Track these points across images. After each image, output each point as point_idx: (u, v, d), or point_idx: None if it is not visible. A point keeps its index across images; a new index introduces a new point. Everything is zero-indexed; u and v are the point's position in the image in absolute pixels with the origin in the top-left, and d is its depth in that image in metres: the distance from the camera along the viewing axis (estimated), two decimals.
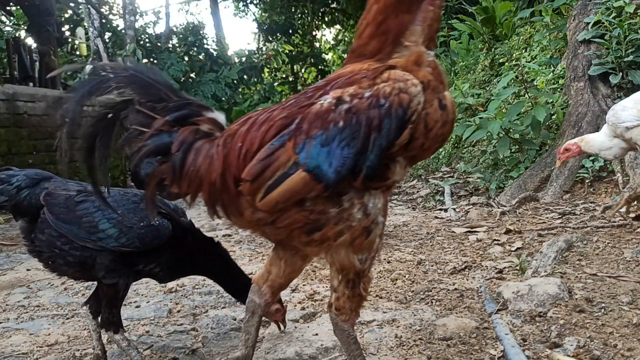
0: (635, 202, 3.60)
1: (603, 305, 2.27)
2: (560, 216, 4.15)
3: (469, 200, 5.26)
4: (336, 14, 19.96)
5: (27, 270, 3.58)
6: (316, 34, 22.93)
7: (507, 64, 6.87)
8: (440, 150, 7.31)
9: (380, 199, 1.42)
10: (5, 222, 5.92)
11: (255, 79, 15.86)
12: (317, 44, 23.14)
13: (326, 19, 20.75)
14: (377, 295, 2.65)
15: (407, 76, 1.34)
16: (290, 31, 21.30)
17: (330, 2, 19.50)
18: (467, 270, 3.03)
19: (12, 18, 14.96)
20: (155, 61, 14.25)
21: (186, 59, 15.09)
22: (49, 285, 3.19)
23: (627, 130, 3.20)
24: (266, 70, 18.07)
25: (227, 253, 2.12)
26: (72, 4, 13.95)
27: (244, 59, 16.05)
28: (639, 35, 4.98)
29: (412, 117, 1.32)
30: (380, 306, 2.50)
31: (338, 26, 21.58)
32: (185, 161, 1.46)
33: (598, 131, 3.63)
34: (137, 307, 2.67)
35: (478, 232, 3.93)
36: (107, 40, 14.45)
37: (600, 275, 2.67)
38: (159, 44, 15.31)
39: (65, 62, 14.75)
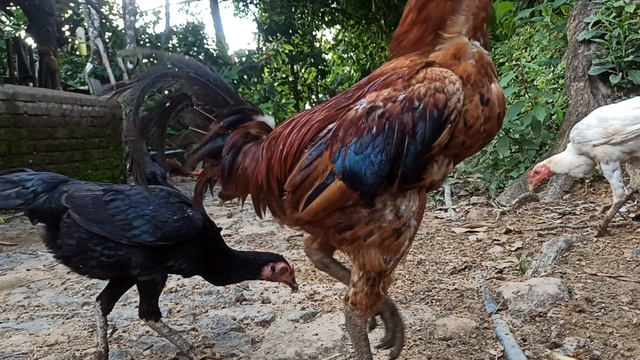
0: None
1: (603, 305, 2.27)
2: (560, 216, 4.15)
3: (469, 200, 5.26)
4: (336, 14, 19.96)
5: (27, 270, 3.58)
6: (316, 34, 22.94)
7: (507, 63, 6.87)
8: None
9: (414, 201, 1.39)
10: (5, 222, 5.92)
11: (255, 79, 15.85)
12: (317, 44, 23.15)
13: (326, 19, 20.76)
14: None
15: (445, 73, 1.29)
16: (290, 31, 21.31)
17: (330, 2, 19.50)
18: (467, 270, 3.03)
19: (12, 18, 14.97)
20: (155, 61, 14.24)
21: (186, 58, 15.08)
22: (49, 285, 3.19)
23: (593, 148, 3.29)
24: (266, 70, 18.06)
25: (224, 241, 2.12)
26: (72, 4, 13.95)
27: (244, 59, 16.04)
28: (639, 35, 4.98)
29: (451, 117, 1.28)
30: None
31: (338, 26, 21.59)
32: (234, 164, 1.53)
33: None
34: (137, 307, 2.66)
35: (478, 232, 3.93)
36: (107, 40, 14.47)
37: (600, 275, 2.67)
38: (159, 44, 15.31)
39: (65, 62, 14.77)
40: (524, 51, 7.38)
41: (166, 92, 1.67)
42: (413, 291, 2.71)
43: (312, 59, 21.74)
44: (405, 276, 2.95)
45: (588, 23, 5.56)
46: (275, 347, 2.09)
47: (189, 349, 1.97)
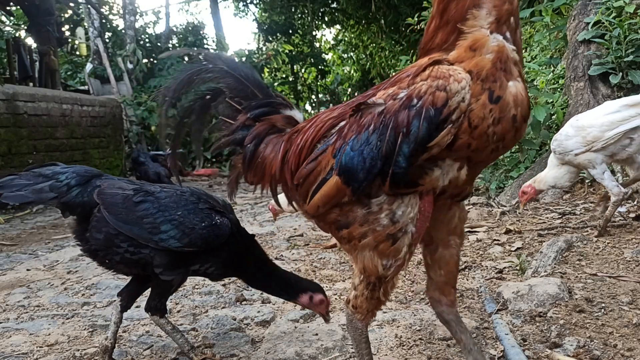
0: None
1: (603, 305, 2.27)
2: (560, 216, 4.16)
3: (469, 200, 5.26)
4: (336, 14, 19.93)
5: (27, 270, 3.58)
6: (316, 34, 22.91)
7: None
8: None
9: (413, 207, 1.34)
10: (5, 222, 5.92)
11: None
12: (317, 44, 23.13)
13: (326, 19, 20.72)
14: None
15: (452, 71, 1.23)
16: (290, 31, 21.30)
17: (330, 2, 19.48)
18: (467, 270, 3.02)
19: (12, 18, 14.97)
20: (155, 61, 14.25)
21: (186, 59, 15.09)
22: (49, 285, 3.19)
23: (576, 157, 3.34)
24: (266, 70, 18.07)
25: (263, 250, 2.11)
26: (72, 4, 13.95)
27: (244, 59, 16.04)
28: (639, 35, 4.98)
29: (452, 116, 1.21)
30: None
31: (338, 26, 21.56)
32: (255, 153, 1.60)
33: None
34: (137, 307, 2.66)
35: (478, 232, 3.93)
36: (107, 40, 14.46)
37: (600, 275, 2.67)
38: (159, 44, 15.31)
39: (65, 62, 14.77)
40: (524, 51, 7.37)
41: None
42: (413, 291, 2.71)
43: (312, 59, 21.72)
44: (405, 276, 2.95)
45: (588, 23, 5.55)
46: (275, 347, 2.09)
47: (189, 348, 1.97)
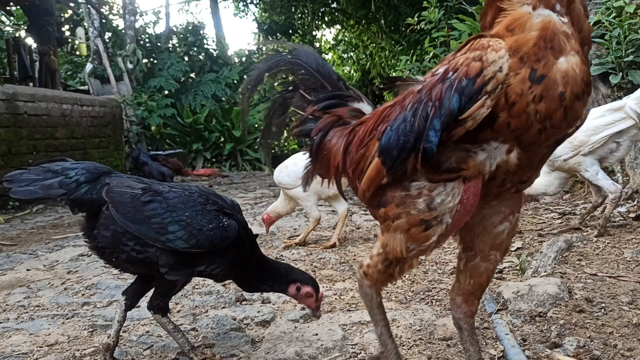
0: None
1: (603, 305, 2.27)
2: (560, 216, 4.16)
3: None
4: (336, 14, 19.92)
5: (27, 270, 3.58)
6: (316, 34, 22.92)
7: None
8: None
9: (454, 197, 1.29)
10: (5, 222, 5.92)
11: None
12: (317, 44, 23.13)
13: (326, 19, 20.71)
14: None
15: (491, 42, 1.17)
16: (290, 31, 21.30)
17: (330, 2, 19.48)
18: None
19: (12, 18, 14.97)
20: (155, 61, 14.25)
21: (186, 59, 15.09)
22: (49, 285, 3.19)
23: (565, 163, 3.40)
24: None
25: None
26: (72, 4, 13.95)
27: (244, 59, 16.05)
28: (639, 35, 4.98)
29: (487, 87, 1.14)
30: None
31: (338, 26, 21.56)
32: (321, 145, 1.63)
33: None
34: (137, 307, 2.66)
35: None
36: (107, 40, 14.45)
37: (600, 275, 2.67)
38: (159, 44, 15.31)
39: (65, 62, 14.77)
40: None
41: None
42: (413, 291, 2.71)
43: None
44: (405, 276, 2.95)
45: None
46: (275, 347, 2.09)
47: (190, 348, 1.97)
